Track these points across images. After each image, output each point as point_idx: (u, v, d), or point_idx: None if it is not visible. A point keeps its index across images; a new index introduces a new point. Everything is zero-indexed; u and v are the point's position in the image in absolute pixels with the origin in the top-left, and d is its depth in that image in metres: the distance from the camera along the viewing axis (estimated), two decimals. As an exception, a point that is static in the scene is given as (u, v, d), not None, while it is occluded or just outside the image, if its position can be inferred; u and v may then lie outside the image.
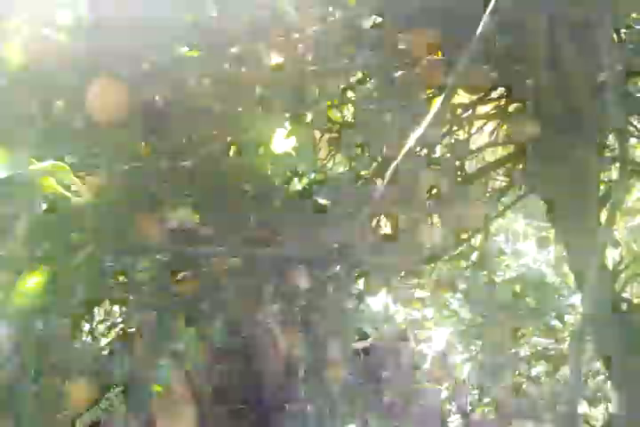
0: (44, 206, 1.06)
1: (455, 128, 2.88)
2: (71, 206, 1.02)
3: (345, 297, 3.06)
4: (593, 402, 4.37)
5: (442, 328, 4.94)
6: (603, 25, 1.80)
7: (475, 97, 2.68)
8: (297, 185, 2.84)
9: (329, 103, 2.61)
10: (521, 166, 2.80)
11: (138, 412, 1.98)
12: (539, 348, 4.83)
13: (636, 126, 2.82)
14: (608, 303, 2.36)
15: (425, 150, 2.50)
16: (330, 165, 3.05)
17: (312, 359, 3.24)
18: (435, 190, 2.87)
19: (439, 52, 2.39)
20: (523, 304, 4.27)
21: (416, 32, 2.21)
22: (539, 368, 4.88)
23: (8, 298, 1.27)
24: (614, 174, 2.92)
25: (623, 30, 2.50)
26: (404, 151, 1.37)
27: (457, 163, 2.78)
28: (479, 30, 1.37)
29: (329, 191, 2.71)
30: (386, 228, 2.99)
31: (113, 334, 3.56)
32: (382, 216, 2.79)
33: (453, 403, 4.80)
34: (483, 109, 2.83)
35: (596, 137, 2.45)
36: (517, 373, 4.71)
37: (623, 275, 3.04)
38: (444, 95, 1.38)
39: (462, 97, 2.67)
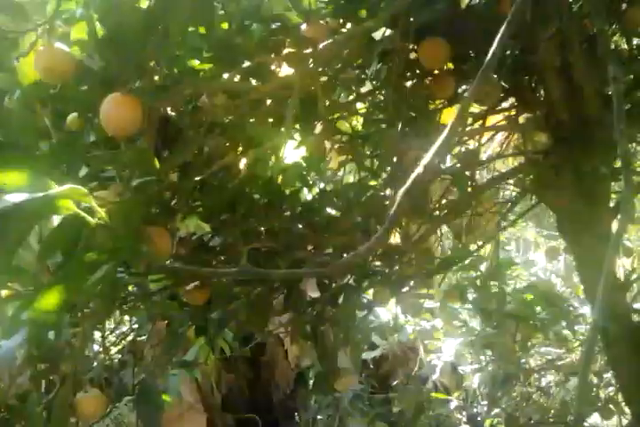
0: (59, 226, 1.07)
1: (466, 138, 2.88)
2: (88, 226, 1.03)
3: (354, 307, 3.05)
4: (605, 414, 4.33)
5: (451, 338, 4.92)
6: (602, 37, 1.80)
7: (485, 107, 2.68)
8: (307, 195, 2.84)
9: (339, 114, 2.62)
10: (531, 176, 2.79)
11: (148, 421, 1.99)
12: (549, 358, 4.80)
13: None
14: (620, 314, 2.34)
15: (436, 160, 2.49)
16: (340, 175, 3.06)
17: (322, 369, 3.24)
18: (445, 200, 2.88)
19: (449, 63, 2.40)
20: (533, 314, 4.24)
21: (426, 43, 2.22)
22: (549, 378, 4.85)
23: (23, 313, 1.28)
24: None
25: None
26: (422, 164, 1.37)
27: (467, 173, 2.78)
28: (495, 44, 1.37)
29: (339, 201, 2.71)
30: (396, 238, 2.99)
31: (123, 343, 3.57)
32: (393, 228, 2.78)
33: (463, 413, 4.78)
34: (493, 119, 2.84)
35: (606, 147, 2.44)
36: (527, 383, 4.69)
37: (635, 285, 3.02)
38: (459, 109, 1.38)
39: (473, 107, 2.67)
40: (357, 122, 2.71)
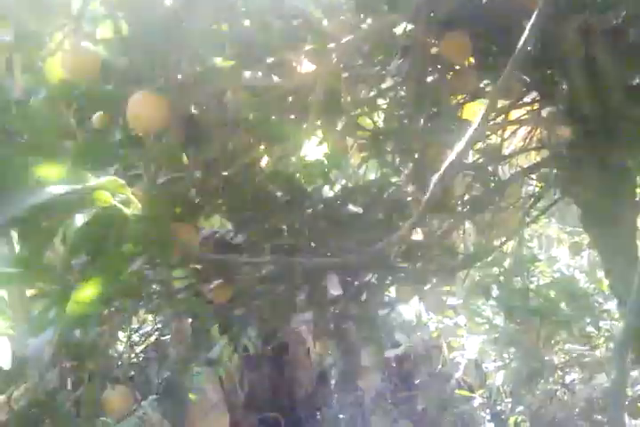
0: (93, 218, 1.08)
1: (488, 133, 2.86)
2: (125, 219, 1.03)
3: (377, 305, 3.05)
4: (633, 414, 4.28)
5: (475, 335, 4.89)
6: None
7: (508, 101, 2.66)
8: (329, 192, 2.84)
9: (360, 110, 2.61)
10: (555, 171, 2.77)
11: (173, 419, 2.00)
12: (573, 355, 4.76)
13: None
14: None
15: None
16: (361, 171, 3.05)
17: (344, 367, 3.24)
18: (468, 196, 2.86)
19: (471, 58, 2.39)
20: (556, 311, 4.21)
21: (447, 38, 2.20)
22: (573, 375, 4.81)
23: (59, 308, 1.29)
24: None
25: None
26: (449, 160, 1.36)
27: (490, 168, 2.76)
28: (523, 40, 1.36)
29: (361, 198, 2.71)
30: (418, 234, 2.98)
31: (147, 342, 3.60)
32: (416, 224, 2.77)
33: (487, 410, 4.75)
34: (516, 114, 2.82)
35: (630, 140, 2.41)
36: (551, 380, 4.65)
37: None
38: (486, 105, 1.37)
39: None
40: (379, 118, 2.70)
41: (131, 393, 2.02)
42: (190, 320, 2.60)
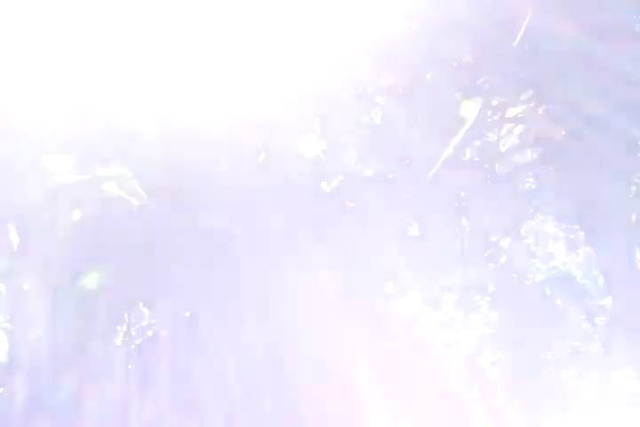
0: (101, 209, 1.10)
1: (485, 130, 2.87)
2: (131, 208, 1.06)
3: (375, 299, 3.07)
4: (628, 408, 4.31)
5: (471, 331, 4.91)
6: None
7: (505, 99, 2.68)
8: (326, 187, 2.86)
9: (359, 106, 2.63)
10: (551, 168, 2.79)
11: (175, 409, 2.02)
12: (569, 350, 4.78)
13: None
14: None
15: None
16: (359, 167, 3.06)
17: (341, 361, 3.26)
18: (464, 193, 2.88)
19: (469, 56, 2.41)
20: (552, 306, 4.22)
21: (447, 36, 2.22)
22: (568, 371, 4.83)
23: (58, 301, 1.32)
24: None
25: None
26: (444, 155, 1.38)
27: (487, 165, 2.78)
28: (518, 38, 1.38)
29: (358, 193, 2.73)
30: (414, 229, 3.00)
31: (146, 336, 3.61)
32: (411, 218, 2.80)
33: (483, 405, 4.77)
34: (512, 112, 2.83)
35: (627, 139, 2.44)
36: (547, 375, 4.67)
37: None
38: (482, 103, 1.39)
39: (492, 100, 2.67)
40: (376, 114, 2.71)
41: (131, 382, 2.04)
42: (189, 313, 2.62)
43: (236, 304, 2.70)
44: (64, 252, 1.40)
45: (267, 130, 2.21)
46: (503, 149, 2.99)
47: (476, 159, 2.82)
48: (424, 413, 4.91)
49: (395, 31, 2.21)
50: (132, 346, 2.56)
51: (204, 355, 2.83)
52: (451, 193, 2.87)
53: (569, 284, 4.42)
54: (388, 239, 2.88)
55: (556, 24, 2.09)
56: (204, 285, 2.51)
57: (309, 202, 2.44)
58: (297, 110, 2.20)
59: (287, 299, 2.83)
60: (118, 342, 3.30)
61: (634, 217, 2.68)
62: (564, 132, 2.48)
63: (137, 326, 3.17)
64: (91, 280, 1.15)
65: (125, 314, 2.55)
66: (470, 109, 2.95)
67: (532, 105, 2.69)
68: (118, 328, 2.53)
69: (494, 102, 2.64)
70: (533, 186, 3.21)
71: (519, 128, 3.07)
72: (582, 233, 4.48)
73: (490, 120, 2.72)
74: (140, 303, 2.57)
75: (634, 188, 2.82)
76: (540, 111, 2.67)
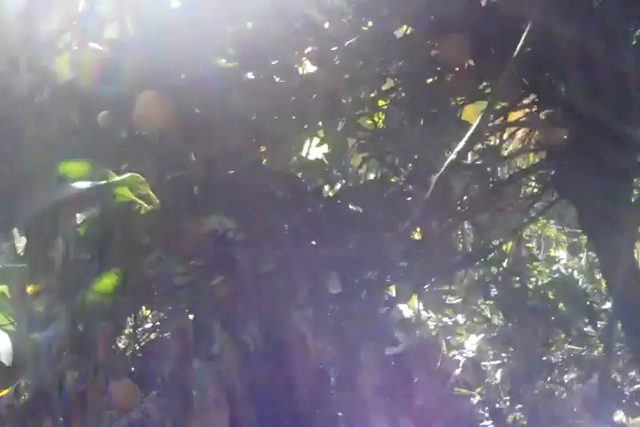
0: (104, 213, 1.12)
1: (487, 134, 2.89)
2: (137, 213, 1.08)
3: (377, 303, 3.08)
4: (631, 412, 4.31)
5: (473, 334, 4.92)
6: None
7: (506, 103, 2.69)
8: (329, 191, 2.87)
9: (360, 111, 2.65)
10: (553, 172, 2.80)
11: (177, 413, 2.03)
12: (571, 354, 4.79)
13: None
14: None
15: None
16: (361, 171, 3.08)
17: (344, 364, 3.27)
18: (466, 196, 2.89)
19: (470, 60, 2.42)
20: (555, 311, 4.24)
21: (446, 40, 2.24)
22: (571, 375, 4.84)
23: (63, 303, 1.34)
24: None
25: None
26: (449, 160, 1.40)
27: (489, 169, 2.80)
28: (521, 43, 1.40)
29: (360, 197, 2.74)
30: (417, 233, 3.01)
31: (148, 338, 3.63)
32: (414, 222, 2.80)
33: (486, 408, 4.78)
34: (515, 116, 2.85)
35: (628, 142, 2.44)
36: (549, 379, 4.68)
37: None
38: (486, 107, 1.41)
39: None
40: (379, 119, 2.73)
41: (136, 387, 2.06)
42: (192, 316, 2.63)
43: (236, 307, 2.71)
44: (74, 254, 1.42)
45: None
46: (505, 153, 3.01)
47: (479, 163, 2.83)
48: (426, 416, 4.91)
49: (393, 35, 2.23)
50: (137, 348, 2.58)
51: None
52: (453, 196, 2.88)
53: (571, 287, 4.43)
54: (391, 242, 2.89)
55: (558, 27, 2.11)
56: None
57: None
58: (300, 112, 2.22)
59: (288, 301, 2.83)
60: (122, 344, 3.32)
61: (636, 221, 2.69)
62: (566, 136, 2.49)
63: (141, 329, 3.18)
64: (106, 282, 1.18)
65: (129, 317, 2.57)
66: (473, 114, 2.97)
67: (534, 109, 2.70)
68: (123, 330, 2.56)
69: (497, 106, 2.66)
70: (535, 189, 3.23)
71: (521, 132, 3.09)
72: (584, 237, 4.50)
73: (492, 124, 2.74)
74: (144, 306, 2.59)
75: (636, 191, 2.83)
76: (543, 115, 2.69)
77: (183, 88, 1.65)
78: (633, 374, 4.48)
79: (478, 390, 4.90)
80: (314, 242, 2.62)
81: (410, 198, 2.70)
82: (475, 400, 4.81)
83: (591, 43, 2.17)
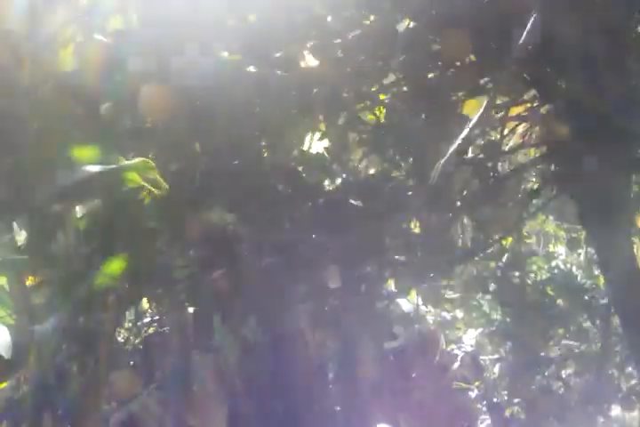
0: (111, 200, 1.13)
1: (488, 129, 2.90)
2: (153, 197, 1.09)
3: (376, 297, 3.09)
4: (627, 406, 4.34)
5: (472, 329, 4.95)
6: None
7: (507, 99, 2.70)
8: (330, 185, 2.88)
9: (362, 105, 2.65)
10: (553, 168, 2.81)
11: (178, 403, 2.05)
12: (569, 349, 4.81)
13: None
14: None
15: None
16: (362, 165, 3.09)
17: (342, 358, 3.28)
18: (466, 191, 2.90)
19: (471, 55, 2.43)
20: (553, 306, 4.26)
21: (449, 35, 2.24)
22: (569, 369, 4.86)
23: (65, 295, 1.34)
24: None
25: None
26: (449, 153, 1.41)
27: (489, 164, 2.80)
28: (522, 38, 1.40)
29: (361, 192, 2.75)
30: (417, 228, 3.02)
31: (148, 332, 3.64)
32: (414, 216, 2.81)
33: (484, 402, 4.80)
34: (515, 111, 2.85)
35: (628, 138, 2.45)
36: (547, 374, 4.70)
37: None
38: (487, 102, 1.41)
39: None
40: (380, 113, 2.73)
41: (136, 377, 2.07)
42: (192, 309, 2.65)
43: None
44: (77, 243, 1.43)
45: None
46: (506, 148, 3.01)
47: (479, 157, 2.84)
48: (425, 410, 4.93)
49: (395, 29, 2.23)
50: (137, 341, 2.59)
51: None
52: (453, 191, 2.89)
53: (570, 283, 4.45)
54: (391, 237, 2.90)
55: (559, 22, 2.11)
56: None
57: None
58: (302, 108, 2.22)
59: (287, 295, 2.84)
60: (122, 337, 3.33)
61: (635, 217, 2.70)
62: (566, 131, 2.49)
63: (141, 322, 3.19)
64: (115, 267, 1.18)
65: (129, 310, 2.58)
66: (473, 108, 2.97)
67: (535, 104, 2.71)
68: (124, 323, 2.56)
69: (497, 101, 2.66)
70: (535, 185, 3.24)
71: (522, 127, 3.09)
72: (583, 232, 4.51)
73: (492, 119, 2.74)
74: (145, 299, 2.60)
75: (636, 188, 2.83)
76: (543, 110, 2.69)
77: (186, 80, 1.66)
78: (630, 369, 4.50)
79: (477, 384, 4.93)
80: (314, 236, 2.63)
81: (410, 193, 2.70)
82: (473, 394, 4.84)
83: (592, 38, 2.17)
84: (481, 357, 5.00)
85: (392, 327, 4.62)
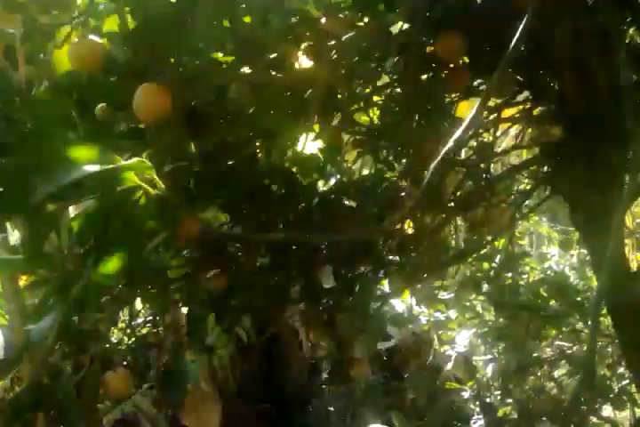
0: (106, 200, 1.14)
1: (481, 131, 2.92)
2: (150, 197, 1.10)
3: (370, 296, 3.10)
4: (618, 406, 4.36)
5: (465, 329, 4.97)
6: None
7: (500, 100, 2.72)
8: (323, 187, 2.89)
9: (356, 106, 2.66)
10: (545, 169, 2.83)
11: (172, 402, 2.06)
12: (561, 349, 4.84)
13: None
14: (633, 302, 2.38)
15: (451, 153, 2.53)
16: (356, 166, 3.10)
17: (336, 358, 3.30)
18: (459, 192, 2.92)
19: (465, 57, 2.44)
20: (546, 306, 4.28)
21: (442, 37, 2.26)
22: (561, 370, 4.89)
23: (59, 294, 1.35)
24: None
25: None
26: (441, 155, 1.42)
27: (482, 165, 2.82)
28: (515, 40, 1.42)
29: (355, 193, 2.76)
30: (410, 229, 3.03)
31: (141, 332, 3.65)
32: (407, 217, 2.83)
33: (477, 403, 4.83)
34: (508, 113, 2.87)
35: (620, 139, 2.47)
36: (540, 374, 4.73)
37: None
38: (479, 102, 1.42)
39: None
40: (374, 114, 2.75)
41: (130, 376, 2.08)
42: (186, 309, 2.65)
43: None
44: (72, 243, 1.43)
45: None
46: (498, 150, 3.04)
47: (472, 159, 2.86)
48: (418, 408, 4.96)
49: (389, 31, 2.24)
50: (131, 341, 2.60)
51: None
52: (446, 192, 2.91)
53: (562, 284, 4.47)
54: (384, 238, 2.92)
55: (551, 24, 2.13)
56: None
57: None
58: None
59: (281, 294, 2.85)
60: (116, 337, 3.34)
61: (627, 217, 2.72)
62: (559, 133, 2.51)
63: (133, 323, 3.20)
64: (111, 265, 1.18)
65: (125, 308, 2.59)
66: (467, 110, 2.99)
67: (527, 106, 2.73)
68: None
69: (490, 103, 2.68)
70: (528, 186, 3.26)
71: (515, 128, 3.12)
72: (576, 234, 4.54)
73: (485, 121, 2.76)
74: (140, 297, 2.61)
75: (627, 189, 2.85)
76: (536, 112, 2.71)
77: (180, 81, 1.67)
78: (621, 369, 4.53)
79: (469, 384, 4.95)
80: (307, 236, 2.64)
81: (403, 194, 2.72)
82: (466, 395, 4.87)
83: (585, 40, 2.19)
84: (474, 357, 5.03)
85: (386, 327, 4.65)
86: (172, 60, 1.64)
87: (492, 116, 2.80)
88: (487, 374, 4.83)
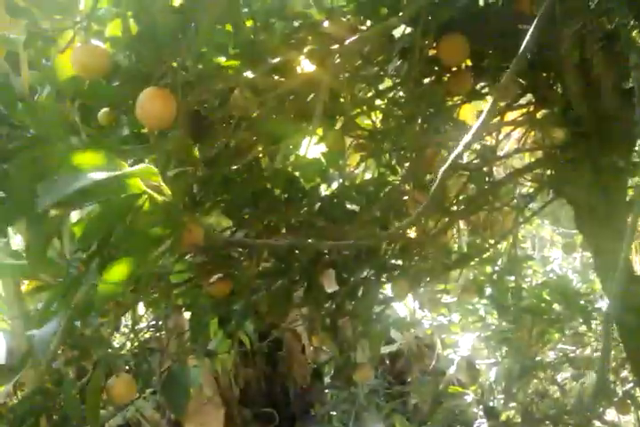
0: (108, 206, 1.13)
1: (484, 134, 2.91)
2: (155, 203, 1.09)
3: (373, 301, 3.10)
4: (622, 410, 4.35)
5: (468, 333, 4.96)
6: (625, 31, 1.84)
7: (503, 103, 2.71)
8: (326, 191, 2.89)
9: (359, 110, 2.66)
10: (548, 172, 2.82)
11: (175, 407, 2.05)
12: (565, 353, 4.83)
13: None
14: (637, 308, 2.37)
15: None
16: (359, 170, 3.10)
17: (339, 363, 3.28)
18: (462, 196, 2.91)
19: (468, 60, 2.44)
20: (549, 310, 4.27)
21: (445, 40, 2.26)
22: (565, 374, 4.88)
23: (63, 300, 1.34)
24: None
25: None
26: (450, 159, 1.41)
27: (485, 169, 2.82)
28: (524, 45, 1.42)
29: (357, 197, 2.76)
30: (413, 232, 3.03)
31: (144, 337, 3.64)
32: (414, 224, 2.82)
33: (480, 407, 4.81)
34: (511, 117, 2.87)
35: (624, 142, 2.47)
36: (543, 378, 4.71)
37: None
38: (488, 108, 1.42)
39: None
40: (377, 118, 2.75)
41: (134, 381, 2.07)
42: (189, 314, 2.65)
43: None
44: (76, 249, 1.43)
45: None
46: (501, 153, 3.03)
47: (475, 162, 2.85)
48: (422, 412, 4.94)
49: (394, 34, 2.24)
50: (134, 346, 2.59)
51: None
52: (449, 196, 2.90)
53: (565, 287, 4.46)
54: (387, 242, 2.92)
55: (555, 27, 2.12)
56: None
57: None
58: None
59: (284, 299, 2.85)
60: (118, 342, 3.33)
61: (630, 220, 2.70)
62: (562, 136, 2.51)
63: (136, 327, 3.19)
64: (117, 272, 1.18)
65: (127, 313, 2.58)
66: (469, 114, 2.99)
67: (531, 109, 2.72)
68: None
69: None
70: (531, 189, 3.25)
71: (518, 132, 3.11)
72: (579, 237, 4.53)
73: (488, 124, 2.76)
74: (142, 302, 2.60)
75: (630, 191, 2.84)
76: (539, 115, 2.71)
77: (184, 86, 1.66)
78: (625, 373, 4.51)
79: (473, 388, 4.94)
80: (310, 240, 2.63)
81: (406, 198, 2.72)
82: (469, 399, 4.85)
83: (590, 42, 2.19)
84: (477, 361, 5.01)
85: (389, 332, 4.64)
86: (175, 64, 1.63)
87: (494, 120, 2.80)
88: (490, 378, 4.81)
